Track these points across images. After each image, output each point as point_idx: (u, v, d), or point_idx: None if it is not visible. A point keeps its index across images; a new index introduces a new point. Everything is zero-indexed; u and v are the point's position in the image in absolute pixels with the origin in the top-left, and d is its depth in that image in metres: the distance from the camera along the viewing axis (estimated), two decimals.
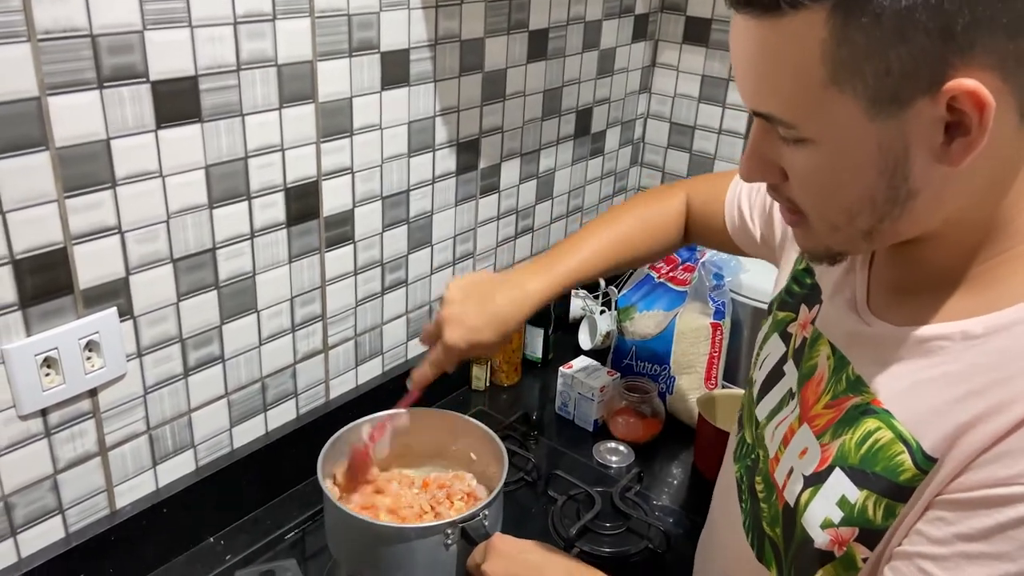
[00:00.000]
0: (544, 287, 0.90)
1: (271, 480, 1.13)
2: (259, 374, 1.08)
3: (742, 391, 1.30)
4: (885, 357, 0.56)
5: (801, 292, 0.70)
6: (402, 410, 0.99)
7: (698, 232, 0.99)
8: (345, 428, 1.01)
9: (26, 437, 0.84)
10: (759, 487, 0.66)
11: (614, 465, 1.25)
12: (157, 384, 0.96)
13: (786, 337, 0.70)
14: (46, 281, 0.81)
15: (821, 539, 0.56)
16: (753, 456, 0.69)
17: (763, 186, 0.84)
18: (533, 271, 0.93)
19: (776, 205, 0.81)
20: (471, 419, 1.04)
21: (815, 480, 0.58)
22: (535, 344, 1.47)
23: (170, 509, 1.00)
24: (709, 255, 1.33)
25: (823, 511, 0.57)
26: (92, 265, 0.85)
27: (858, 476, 0.55)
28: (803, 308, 0.68)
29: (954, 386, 0.51)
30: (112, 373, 0.90)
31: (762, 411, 0.69)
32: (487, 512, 0.88)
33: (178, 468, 1.02)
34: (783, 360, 0.69)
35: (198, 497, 1.03)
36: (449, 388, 1.38)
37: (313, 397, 1.17)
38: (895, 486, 0.53)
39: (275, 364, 1.10)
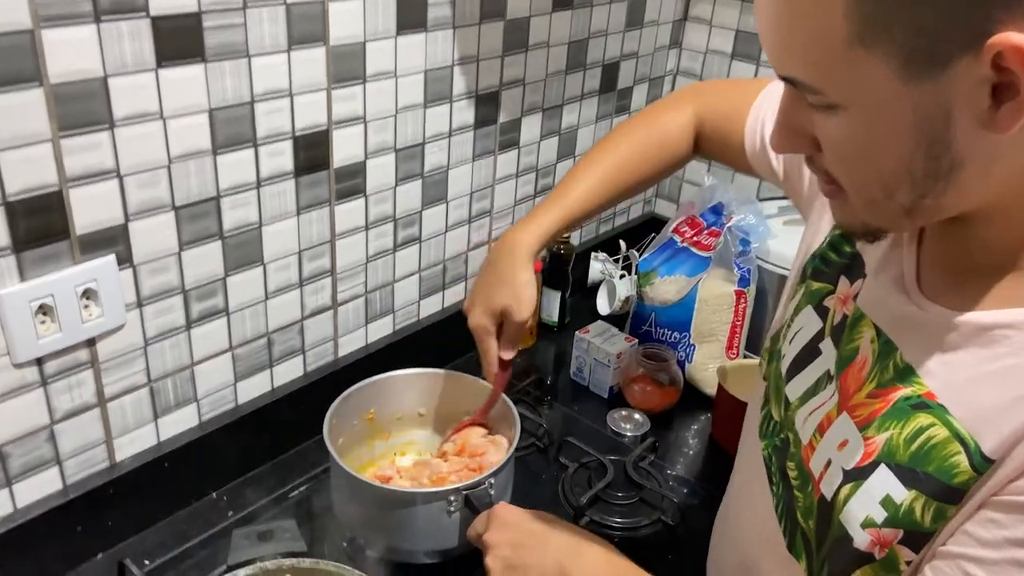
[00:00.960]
0: (535, 233, 0.87)
1: (277, 437, 1.11)
2: (265, 329, 1.05)
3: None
4: (939, 345, 0.51)
5: (840, 262, 0.65)
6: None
7: (710, 149, 0.92)
8: (354, 387, 0.99)
9: (21, 386, 0.82)
10: (792, 473, 0.61)
11: (628, 434, 1.22)
12: (158, 336, 0.93)
13: (822, 311, 0.64)
14: (41, 225, 0.78)
15: (861, 539, 0.52)
16: (782, 437, 0.65)
17: None
18: (523, 221, 0.89)
19: None
20: (483, 382, 1.00)
21: (856, 475, 0.54)
22: (551, 307, 1.43)
23: (172, 463, 0.98)
24: (736, 220, 1.27)
25: (864, 509, 0.52)
26: (89, 210, 0.81)
27: (906, 475, 0.51)
28: (842, 280, 0.63)
29: (1019, 381, 0.47)
30: (111, 323, 0.87)
31: (793, 391, 0.64)
32: (493, 481, 0.85)
33: (180, 422, 1.00)
34: (819, 337, 0.63)
35: (201, 452, 1.01)
36: (462, 350, 1.35)
37: (321, 354, 1.15)
38: (947, 488, 0.49)
39: (282, 319, 1.07)
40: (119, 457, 0.95)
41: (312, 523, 1.00)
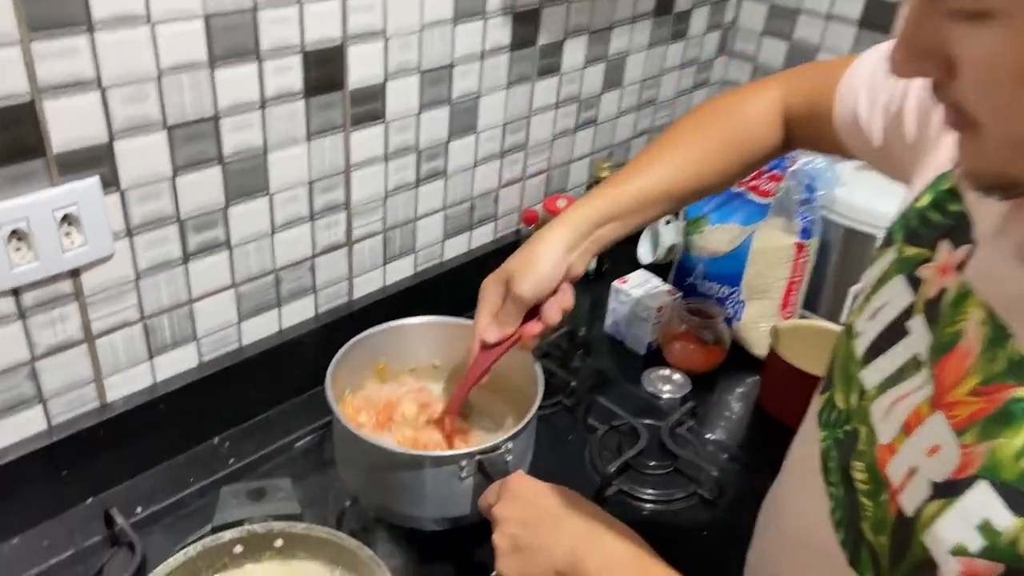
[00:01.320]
0: (570, 222, 0.77)
1: (284, 382, 1.04)
2: (272, 265, 0.97)
3: (823, 324, 1.15)
4: None
5: (942, 223, 0.52)
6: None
7: (800, 135, 0.81)
8: (363, 335, 0.90)
9: None
10: (859, 476, 0.51)
11: (665, 396, 1.12)
12: (151, 268, 0.85)
13: (915, 282, 0.52)
14: (11, 140, 0.70)
15: (950, 568, 0.42)
16: (847, 429, 0.54)
17: (891, 80, 0.66)
18: (569, 207, 0.79)
19: (909, 103, 0.63)
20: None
21: (948, 491, 0.43)
22: None
23: (168, 406, 0.92)
24: (801, 163, 1.14)
25: (956, 533, 0.42)
26: (67, 125, 0.73)
27: (1014, 497, 0.40)
28: (943, 245, 0.50)
29: None
30: (96, 253, 0.80)
31: (871, 377, 0.53)
32: (510, 445, 0.77)
33: (178, 362, 0.93)
34: (908, 313, 0.52)
35: (201, 395, 0.95)
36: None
37: (334, 295, 1.07)
38: None
39: (291, 256, 0.98)
40: (110, 397, 0.89)
41: (313, 479, 0.93)
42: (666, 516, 0.94)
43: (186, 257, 0.88)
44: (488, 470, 0.74)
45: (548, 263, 0.76)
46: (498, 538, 0.65)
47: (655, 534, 0.83)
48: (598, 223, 0.77)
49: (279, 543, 0.71)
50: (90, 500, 0.89)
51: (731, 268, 1.18)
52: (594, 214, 0.77)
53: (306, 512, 0.83)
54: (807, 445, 0.62)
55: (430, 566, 0.84)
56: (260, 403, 1.03)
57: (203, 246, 0.89)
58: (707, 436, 1.05)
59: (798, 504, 0.61)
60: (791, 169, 1.14)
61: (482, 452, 0.75)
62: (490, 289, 0.79)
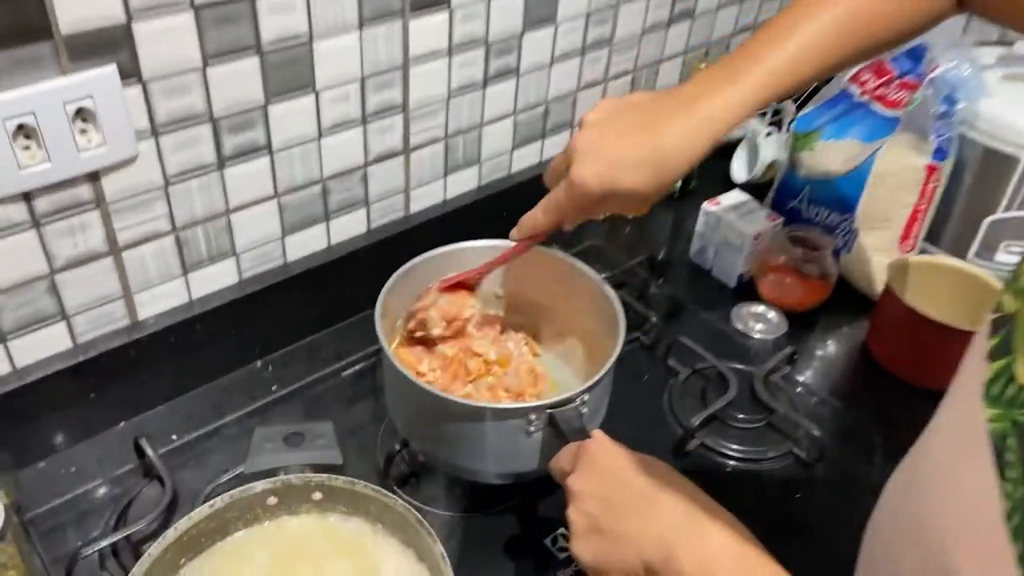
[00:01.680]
0: (731, 107, 0.62)
1: (333, 302, 0.95)
2: (319, 174, 0.86)
3: (954, 262, 0.99)
4: None
5: None
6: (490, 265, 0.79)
7: None
8: (417, 260, 0.80)
9: (6, 226, 0.67)
10: None
11: (756, 336, 1.00)
12: (182, 174, 0.76)
13: None
14: (10, 16, 0.60)
15: None
16: None
17: None
18: (713, 83, 0.64)
19: None
20: (580, 263, 0.80)
21: None
22: None
23: (205, 326, 0.84)
24: (942, 69, 0.96)
25: None
26: (77, 2, 0.62)
27: None
28: None
29: None
30: (117, 154, 0.70)
31: None
32: (586, 398, 0.66)
33: (215, 279, 0.85)
34: None
35: (241, 315, 0.87)
36: None
37: (389, 209, 0.96)
38: None
39: (340, 163, 0.88)
40: (141, 315, 0.81)
41: (361, 411, 0.86)
42: (755, 477, 0.83)
43: (221, 162, 0.78)
44: (560, 425, 0.64)
45: (668, 173, 0.63)
46: (574, 514, 0.55)
47: (741, 496, 0.73)
48: (733, 124, 0.63)
49: (317, 496, 0.63)
50: (121, 425, 0.83)
51: (846, 192, 1.03)
52: (731, 117, 0.62)
53: (351, 450, 0.76)
54: (964, 424, 0.48)
55: (487, 518, 0.76)
56: (306, 325, 0.94)
57: (240, 150, 0.79)
58: (805, 386, 0.93)
59: (951, 493, 0.49)
60: (929, 76, 0.96)
61: (553, 405, 0.65)
62: (559, 159, 0.69)
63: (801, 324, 1.02)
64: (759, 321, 1.02)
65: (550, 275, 0.81)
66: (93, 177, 0.70)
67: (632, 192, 0.63)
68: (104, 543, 0.67)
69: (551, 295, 0.83)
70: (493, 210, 1.03)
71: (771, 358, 0.94)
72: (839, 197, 1.04)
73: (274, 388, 0.89)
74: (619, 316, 0.73)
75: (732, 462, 0.84)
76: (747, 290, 1.06)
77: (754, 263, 1.05)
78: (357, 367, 0.92)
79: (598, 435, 0.60)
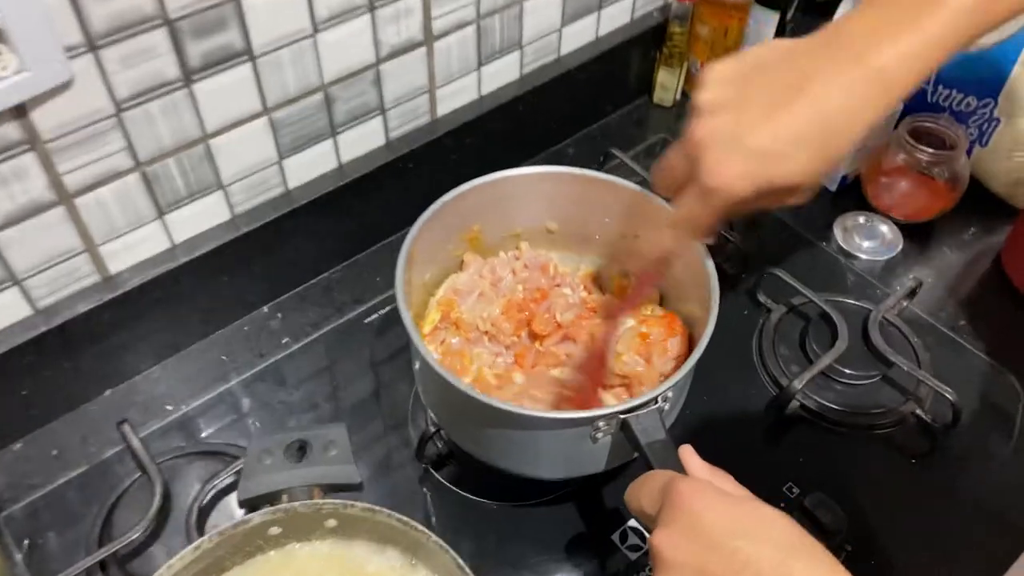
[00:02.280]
0: (910, 60, 0.45)
1: (350, 232, 0.81)
2: (319, 80, 0.69)
3: None
4: None
5: None
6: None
7: None
8: (447, 198, 0.64)
9: None
10: None
11: (864, 257, 0.83)
12: (137, 96, 0.60)
13: None
14: None
15: None
16: None
17: None
18: (880, 26, 0.46)
19: None
20: (658, 199, 0.62)
21: None
22: (760, 36, 0.96)
23: (196, 273, 0.71)
24: None
25: None
26: None
27: None
28: None
29: None
30: (43, 79, 0.54)
31: None
32: (670, 395, 0.52)
33: (200, 218, 0.70)
34: None
35: (239, 256, 0.73)
36: (616, 99, 0.95)
37: (411, 114, 0.79)
38: None
39: (344, 64, 0.70)
40: (113, 268, 0.68)
41: (387, 372, 0.72)
42: (869, 443, 0.69)
43: (188, 76, 0.61)
44: (637, 435, 0.50)
45: (837, 148, 0.47)
46: None
47: (849, 465, 0.66)
48: (916, 83, 0.46)
49: (331, 523, 0.51)
50: (107, 393, 0.72)
51: (988, 70, 0.82)
52: (927, 62, 0.45)
53: (378, 418, 0.64)
54: None
55: (540, 508, 0.64)
56: (319, 261, 0.80)
57: (212, 58, 0.62)
58: (930, 327, 0.77)
59: None
60: None
61: (627, 411, 0.50)
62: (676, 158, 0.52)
63: (918, 239, 0.84)
64: (867, 237, 0.85)
65: (630, 209, 0.64)
66: (18, 112, 0.55)
67: (794, 184, 0.47)
68: (89, 561, 0.57)
69: (618, 233, 0.67)
70: (541, 105, 0.86)
71: (886, 290, 0.77)
72: (979, 77, 0.83)
73: (285, 341, 0.76)
74: (712, 282, 0.57)
75: (839, 429, 0.70)
76: (851, 196, 0.88)
77: (863, 163, 0.86)
78: (383, 310, 0.78)
79: (694, 472, 0.46)
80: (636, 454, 0.52)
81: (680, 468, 0.48)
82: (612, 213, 0.65)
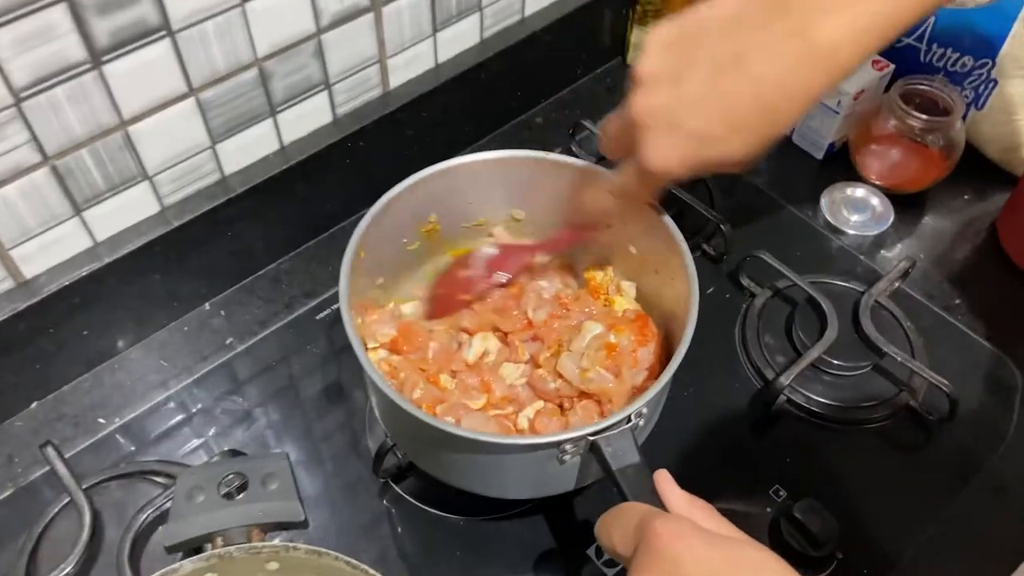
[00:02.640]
0: (858, 35, 0.41)
1: (297, 221, 0.74)
2: (251, 54, 0.62)
3: None
4: None
5: None
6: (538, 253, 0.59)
7: None
8: (399, 188, 0.57)
9: None
10: None
11: (852, 232, 0.78)
12: (38, 83, 0.52)
13: None
14: None
15: None
16: None
17: None
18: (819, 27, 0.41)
19: None
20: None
21: None
22: None
23: (123, 273, 0.65)
24: None
25: None
26: None
27: None
28: None
29: None
30: None
31: None
32: (645, 411, 0.47)
33: (125, 212, 0.64)
34: None
35: (172, 251, 0.67)
36: (587, 62, 0.89)
37: (360, 87, 0.72)
38: None
39: (280, 35, 0.63)
40: (28, 273, 0.61)
41: (343, 374, 0.67)
42: (853, 438, 0.65)
43: (96, 57, 0.54)
44: (607, 460, 0.45)
45: (775, 128, 0.44)
46: None
47: (839, 463, 0.63)
48: (860, 60, 0.42)
49: (273, 566, 0.46)
50: (33, 406, 0.66)
51: (985, 28, 0.77)
52: (875, 37, 0.41)
53: (331, 425, 0.60)
54: None
55: (508, 523, 0.60)
56: (264, 254, 0.74)
57: (123, 36, 0.54)
58: (924, 308, 0.72)
59: None
60: None
61: (596, 432, 0.45)
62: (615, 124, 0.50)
63: (910, 211, 0.80)
64: (856, 210, 0.80)
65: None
66: None
67: (730, 162, 0.45)
68: None
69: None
70: (505, 72, 0.79)
71: (876, 269, 0.73)
72: (976, 35, 0.78)
73: (229, 341, 0.70)
74: (684, 259, 0.52)
75: (831, 424, 0.66)
76: (839, 164, 0.83)
77: (853, 129, 0.81)
78: (337, 305, 0.72)
79: (672, 504, 0.42)
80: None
81: (655, 497, 0.44)
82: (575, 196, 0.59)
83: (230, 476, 0.47)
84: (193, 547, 0.46)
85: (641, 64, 0.45)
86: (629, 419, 0.46)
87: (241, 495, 0.47)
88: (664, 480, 0.44)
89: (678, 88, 0.43)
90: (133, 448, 0.63)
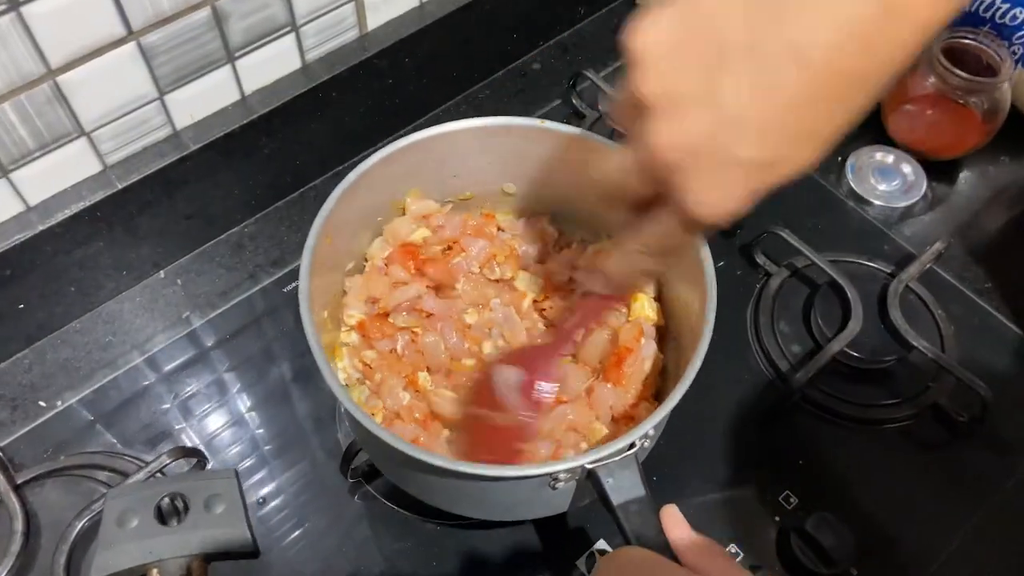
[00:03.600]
0: None
1: (261, 181, 0.67)
2: None
3: None
4: None
5: None
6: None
7: None
8: (370, 163, 0.50)
9: None
10: None
11: (878, 203, 0.71)
12: None
13: None
14: None
15: None
16: None
17: None
18: None
19: None
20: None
21: None
22: None
23: (54, 244, 0.58)
24: None
25: None
26: None
27: None
28: None
29: None
30: None
31: None
32: (651, 432, 0.41)
33: (60, 174, 0.57)
34: None
35: (118, 216, 0.59)
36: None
37: (332, 29, 0.64)
38: None
39: None
40: None
41: (309, 378, 0.61)
42: (877, 439, 0.60)
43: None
44: (605, 488, 0.39)
45: (845, 126, 0.33)
46: None
47: (857, 467, 0.58)
48: (959, 8, 0.32)
49: None
50: None
51: None
52: None
53: (298, 416, 0.55)
54: None
55: (490, 530, 0.55)
56: (224, 216, 0.67)
57: None
58: (955, 289, 0.66)
59: None
60: None
61: (598, 461, 0.39)
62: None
63: (944, 181, 0.73)
64: (885, 178, 0.73)
65: (580, 161, 0.51)
66: None
67: (800, 174, 0.34)
68: None
69: (584, 192, 0.54)
70: (498, 11, 0.71)
71: (905, 247, 0.67)
72: None
73: (185, 316, 0.63)
74: (705, 268, 0.45)
75: (847, 422, 0.60)
76: (868, 125, 0.75)
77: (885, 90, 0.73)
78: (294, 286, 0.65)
79: (681, 550, 0.37)
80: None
81: (662, 541, 0.38)
82: (575, 170, 0.51)
83: (167, 497, 0.41)
84: None
85: (646, 83, 0.33)
86: (632, 445, 0.40)
87: (181, 520, 0.41)
88: (671, 519, 0.38)
89: (713, 107, 0.32)
90: (74, 439, 0.57)
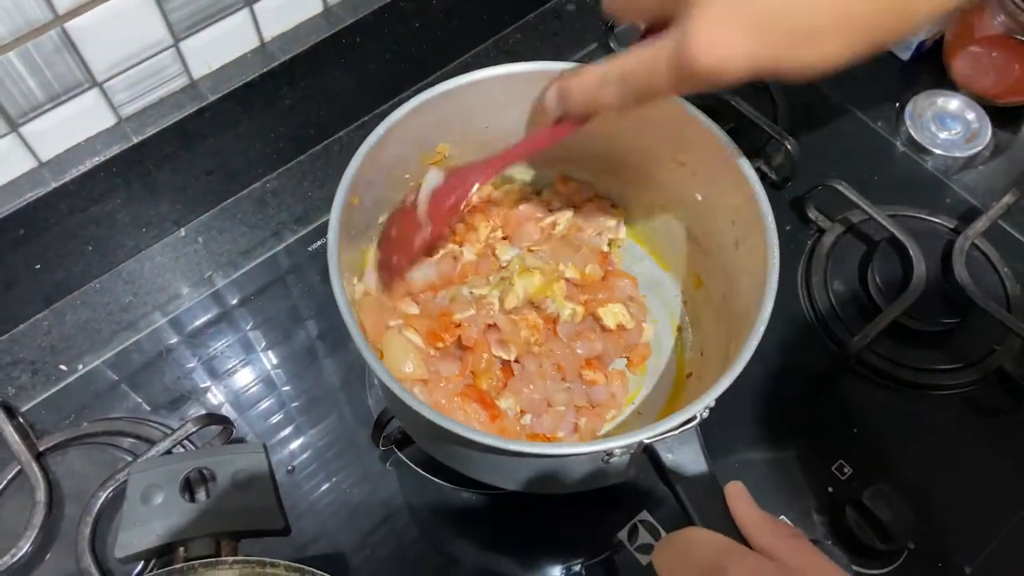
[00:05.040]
0: None
1: (283, 134, 0.64)
2: None
3: None
4: None
5: None
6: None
7: None
8: (399, 114, 0.46)
9: None
10: None
11: (940, 152, 0.67)
12: None
13: None
14: None
15: None
16: None
17: None
18: None
19: None
20: (680, 102, 0.46)
21: None
22: None
23: (68, 202, 0.56)
24: None
25: None
26: None
27: None
28: None
29: None
30: None
31: None
32: (711, 404, 0.38)
33: (73, 125, 0.54)
34: None
35: (134, 169, 0.57)
36: None
37: None
38: None
39: None
40: None
41: (337, 339, 0.58)
42: (937, 405, 0.57)
43: None
44: (665, 464, 0.37)
45: (887, 34, 0.32)
46: None
47: (914, 435, 0.55)
48: None
49: None
50: None
51: None
52: None
53: (327, 373, 0.52)
54: None
55: (524, 500, 0.52)
56: (246, 171, 0.64)
57: None
58: (1020, 245, 0.62)
59: None
60: None
61: (656, 436, 0.37)
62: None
63: (1010, 129, 0.68)
64: (946, 125, 0.68)
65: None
66: None
67: (811, 72, 0.32)
68: None
69: (627, 144, 0.50)
70: None
71: (969, 200, 0.62)
72: None
73: (208, 275, 0.61)
74: (763, 212, 0.42)
75: (904, 387, 0.57)
76: (929, 68, 0.70)
77: (949, 29, 0.68)
78: (319, 244, 0.63)
79: (750, 532, 0.34)
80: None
81: (727, 520, 0.35)
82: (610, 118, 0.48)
83: (193, 472, 0.39)
84: (149, 559, 0.38)
85: None
86: (693, 418, 0.37)
87: (207, 496, 0.39)
88: (738, 499, 0.36)
89: None
90: (97, 404, 0.56)
